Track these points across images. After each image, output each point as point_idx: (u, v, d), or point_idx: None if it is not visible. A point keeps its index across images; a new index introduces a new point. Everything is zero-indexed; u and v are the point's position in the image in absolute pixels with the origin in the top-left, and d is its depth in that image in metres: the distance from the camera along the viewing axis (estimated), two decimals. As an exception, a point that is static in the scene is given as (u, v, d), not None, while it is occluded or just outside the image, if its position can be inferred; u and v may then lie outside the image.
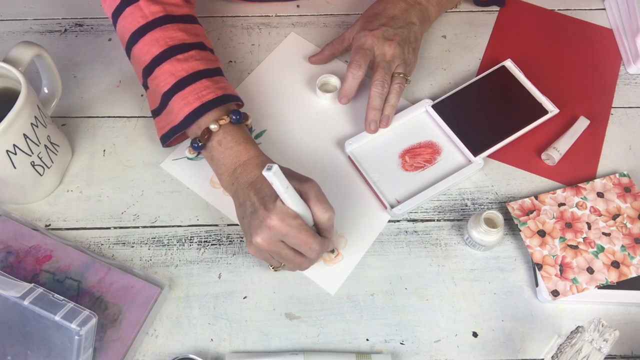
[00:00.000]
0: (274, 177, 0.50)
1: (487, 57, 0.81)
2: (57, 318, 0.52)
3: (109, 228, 0.68)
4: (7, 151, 0.60)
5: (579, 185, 0.70)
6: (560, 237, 0.66)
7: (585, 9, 0.86)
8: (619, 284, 0.64)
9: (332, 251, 0.66)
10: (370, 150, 0.72)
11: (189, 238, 0.67)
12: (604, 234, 0.67)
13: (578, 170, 0.72)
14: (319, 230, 0.59)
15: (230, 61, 0.80)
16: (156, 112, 0.67)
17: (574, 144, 0.73)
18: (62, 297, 0.53)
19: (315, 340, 0.62)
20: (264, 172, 0.49)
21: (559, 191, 0.70)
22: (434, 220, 0.69)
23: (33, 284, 0.54)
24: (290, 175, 0.58)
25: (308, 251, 0.57)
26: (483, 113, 0.74)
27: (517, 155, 0.73)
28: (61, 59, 0.79)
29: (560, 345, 0.57)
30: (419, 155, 0.72)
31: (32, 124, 0.61)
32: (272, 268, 0.64)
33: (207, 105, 0.62)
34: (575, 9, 0.86)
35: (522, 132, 0.72)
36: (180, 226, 0.68)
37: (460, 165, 0.71)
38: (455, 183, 0.70)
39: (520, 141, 0.73)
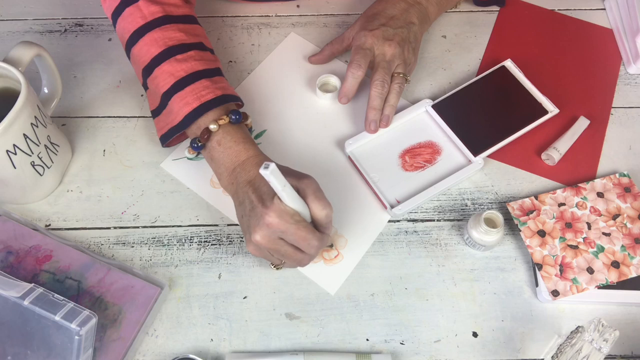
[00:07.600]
0: (271, 175, 0.50)
1: (487, 57, 0.81)
2: (57, 318, 0.52)
3: (109, 228, 0.68)
4: (7, 151, 0.60)
5: (579, 185, 0.70)
6: (560, 237, 0.66)
7: (585, 9, 0.86)
8: (619, 284, 0.64)
9: (331, 246, 0.66)
10: (370, 150, 0.72)
11: (189, 238, 0.67)
12: (604, 234, 0.66)
13: (578, 170, 0.72)
14: (316, 227, 0.59)
15: (230, 61, 0.80)
16: (156, 112, 0.67)
17: (574, 144, 0.73)
18: (62, 297, 0.53)
19: (315, 340, 0.62)
20: (261, 171, 0.49)
21: (559, 191, 0.70)
22: (434, 220, 0.69)
23: (33, 284, 0.54)
24: (288, 172, 0.58)
25: (307, 247, 0.57)
26: (483, 113, 0.74)
27: (517, 155, 0.73)
28: (61, 59, 0.79)
29: (560, 345, 0.57)
30: (419, 155, 0.72)
31: (32, 124, 0.61)
32: (274, 266, 0.64)
33: (206, 105, 0.62)
34: (575, 9, 0.86)
35: (522, 132, 0.72)
36: (180, 226, 0.68)
37: (460, 165, 0.71)
38: (455, 183, 0.70)
39: (520, 141, 0.73)
